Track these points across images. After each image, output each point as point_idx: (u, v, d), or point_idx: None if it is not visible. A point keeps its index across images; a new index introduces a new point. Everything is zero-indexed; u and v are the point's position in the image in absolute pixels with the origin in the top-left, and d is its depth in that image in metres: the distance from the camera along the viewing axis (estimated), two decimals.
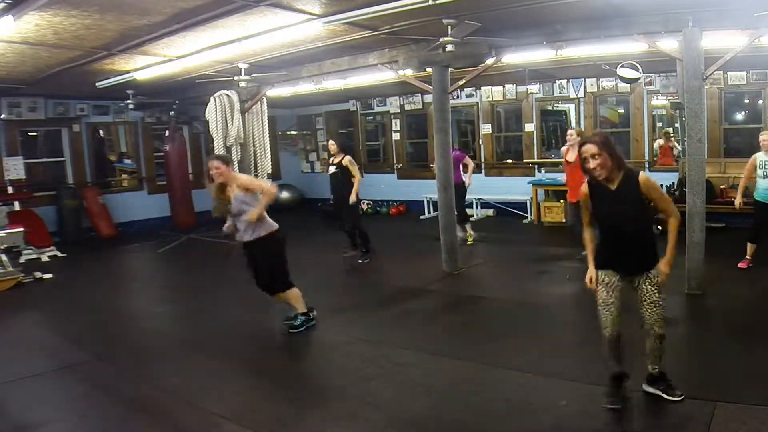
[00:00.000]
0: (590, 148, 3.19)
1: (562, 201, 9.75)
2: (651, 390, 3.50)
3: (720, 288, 5.67)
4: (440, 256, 7.05)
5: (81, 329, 5.51)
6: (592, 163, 3.19)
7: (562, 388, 3.76)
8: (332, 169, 7.84)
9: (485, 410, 3.52)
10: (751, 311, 4.99)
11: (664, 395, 3.42)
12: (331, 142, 8.03)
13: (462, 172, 8.42)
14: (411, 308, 5.77)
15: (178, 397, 3.89)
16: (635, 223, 3.26)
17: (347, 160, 7.66)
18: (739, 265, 6.42)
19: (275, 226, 4.98)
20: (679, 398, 3.37)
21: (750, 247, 6.39)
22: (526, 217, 10.56)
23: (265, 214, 4.91)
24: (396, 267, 7.61)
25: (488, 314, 5.53)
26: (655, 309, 3.34)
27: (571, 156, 6.70)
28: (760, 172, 6.27)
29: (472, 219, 9.22)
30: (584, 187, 3.40)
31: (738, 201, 6.53)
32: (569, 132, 7.20)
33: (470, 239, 8.61)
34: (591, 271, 3.42)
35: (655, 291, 3.32)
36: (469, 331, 5.04)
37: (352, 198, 7.60)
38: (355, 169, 7.66)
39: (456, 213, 7.40)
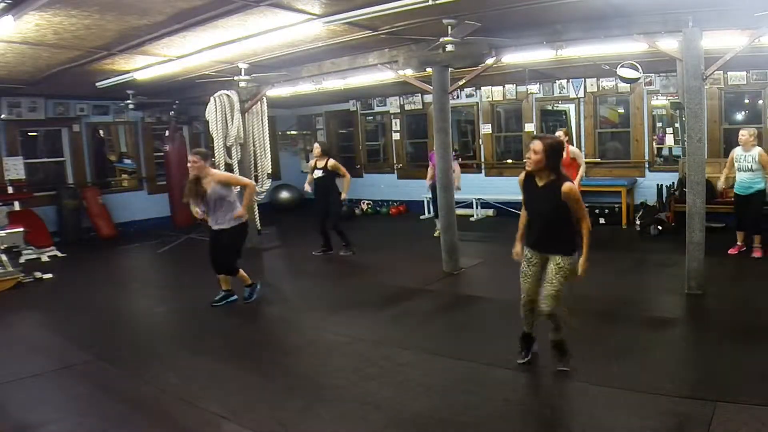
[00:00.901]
0: (536, 144, 3.76)
1: None
2: (559, 366, 3.95)
3: (720, 288, 5.67)
4: (440, 256, 7.05)
5: (81, 329, 5.51)
6: (531, 155, 3.78)
7: (561, 388, 3.76)
8: (318, 173, 8.05)
9: (485, 410, 3.53)
10: (751, 311, 4.99)
11: (559, 360, 3.95)
12: (316, 145, 8.26)
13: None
14: (411, 308, 5.77)
15: (178, 397, 3.88)
16: (548, 216, 3.85)
17: (332, 163, 8.00)
18: (730, 251, 6.96)
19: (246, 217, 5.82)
20: (564, 369, 3.89)
21: (739, 235, 7.04)
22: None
23: (238, 204, 5.74)
24: (396, 267, 7.60)
25: (488, 314, 5.53)
26: (548, 287, 3.85)
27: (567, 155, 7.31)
28: (737, 165, 6.83)
29: (471, 219, 9.28)
30: (521, 176, 4.03)
31: (720, 185, 7.12)
32: (557, 133, 7.38)
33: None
34: (517, 246, 4.15)
35: (556, 274, 3.84)
36: (469, 331, 5.04)
37: (344, 196, 8.03)
38: (342, 169, 8.05)
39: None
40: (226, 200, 5.66)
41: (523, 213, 4.17)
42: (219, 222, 5.70)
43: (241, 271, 6.00)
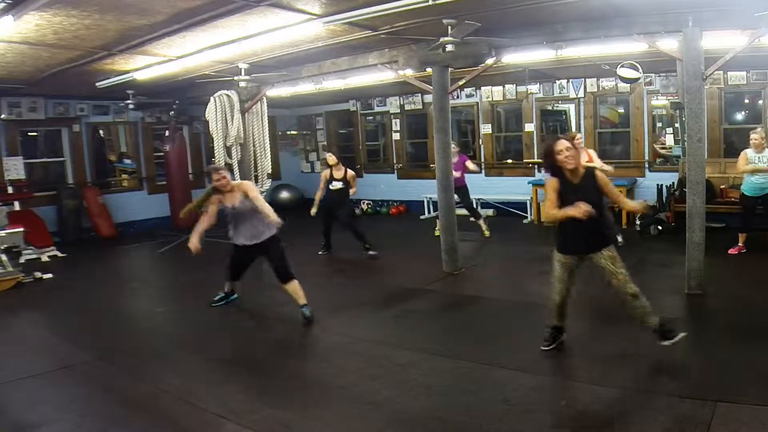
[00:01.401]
0: (565, 143, 3.89)
1: None
2: (665, 343, 4.02)
3: (720, 288, 5.67)
4: (440, 256, 7.05)
5: (81, 329, 5.51)
6: (565, 154, 3.85)
7: (562, 388, 3.76)
8: (337, 184, 8.00)
9: (485, 410, 3.53)
10: (751, 311, 4.99)
11: (663, 340, 4.02)
12: (330, 154, 8.19)
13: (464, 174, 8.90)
14: (411, 308, 5.77)
15: (178, 397, 3.88)
16: (597, 207, 3.83)
17: (351, 175, 8.04)
18: (730, 251, 6.97)
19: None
20: (674, 339, 4.00)
21: (741, 236, 7.06)
22: (526, 217, 10.56)
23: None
24: (396, 267, 7.60)
25: (488, 314, 5.53)
26: (617, 277, 3.98)
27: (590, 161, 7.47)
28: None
29: (472, 219, 9.27)
30: (555, 181, 3.98)
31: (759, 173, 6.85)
32: (577, 135, 7.73)
33: (486, 233, 9.04)
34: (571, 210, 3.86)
35: (614, 264, 3.98)
36: (469, 331, 5.04)
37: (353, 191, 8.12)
38: (355, 183, 8.17)
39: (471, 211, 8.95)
40: (257, 211, 5.16)
41: (559, 212, 3.97)
42: (257, 235, 5.28)
43: (297, 283, 5.44)
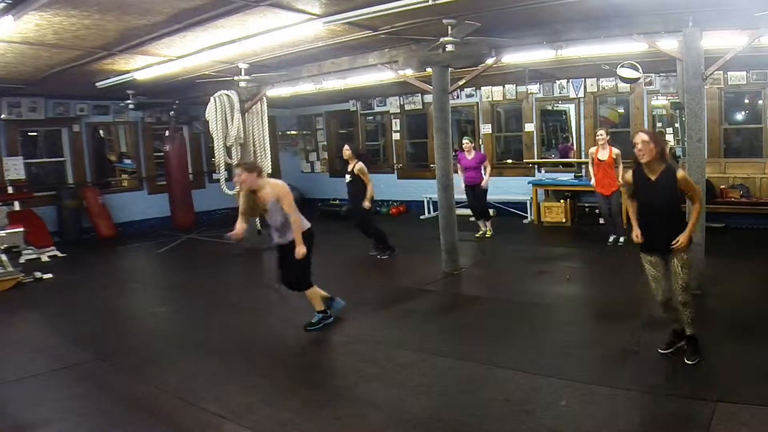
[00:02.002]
0: (642, 136, 3.88)
1: (562, 201, 9.75)
2: (689, 361, 3.92)
3: (720, 288, 5.67)
4: (440, 256, 7.05)
5: (81, 329, 5.51)
6: (640, 146, 3.83)
7: (562, 388, 3.76)
8: (348, 177, 7.89)
9: (485, 410, 3.53)
10: (751, 311, 4.99)
11: (690, 357, 3.93)
12: (345, 147, 8.00)
13: (483, 173, 8.88)
14: (411, 308, 5.77)
15: (178, 397, 3.88)
16: (668, 209, 3.86)
17: (359, 168, 7.73)
18: None
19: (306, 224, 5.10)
20: (693, 362, 3.88)
21: None
22: (526, 217, 10.55)
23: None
24: (396, 267, 7.61)
25: (488, 314, 5.53)
26: (679, 280, 3.87)
27: (603, 155, 7.74)
28: None
29: (472, 219, 9.31)
30: (629, 174, 4.02)
31: None
32: (599, 132, 7.95)
33: (489, 233, 9.10)
34: (636, 229, 4.04)
35: (682, 268, 3.86)
36: (469, 331, 5.04)
37: (366, 204, 7.68)
38: (366, 177, 7.73)
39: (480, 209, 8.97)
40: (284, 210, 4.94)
41: (633, 204, 4.13)
42: (284, 235, 5.00)
43: (317, 289, 5.23)
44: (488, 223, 9.17)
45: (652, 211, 3.92)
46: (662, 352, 4.11)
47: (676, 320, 4.07)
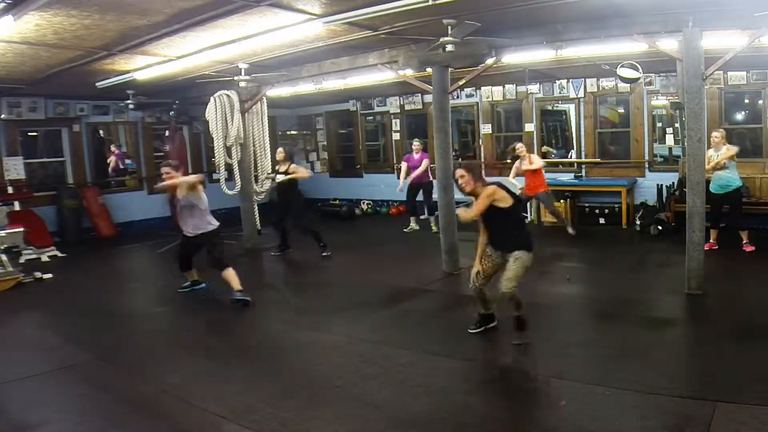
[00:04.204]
0: (459, 171, 4.50)
1: (562, 201, 9.76)
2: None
3: (720, 288, 5.67)
4: (440, 256, 7.05)
5: (81, 329, 5.51)
6: (460, 181, 4.45)
7: (562, 388, 3.76)
8: (280, 177, 8.21)
9: (485, 410, 3.53)
10: (751, 311, 4.99)
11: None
12: (280, 150, 8.38)
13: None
14: (411, 308, 5.77)
15: (178, 397, 3.88)
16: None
17: (293, 168, 8.22)
18: (705, 246, 6.81)
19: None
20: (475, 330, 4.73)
21: (713, 232, 7.22)
22: (526, 217, 10.55)
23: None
24: (396, 267, 7.60)
25: None
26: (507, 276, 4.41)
27: (531, 164, 8.52)
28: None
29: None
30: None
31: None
32: (519, 145, 8.80)
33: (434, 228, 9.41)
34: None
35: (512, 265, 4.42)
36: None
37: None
38: (301, 172, 8.28)
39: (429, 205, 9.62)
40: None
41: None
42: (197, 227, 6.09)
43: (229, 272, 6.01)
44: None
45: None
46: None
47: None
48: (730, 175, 7.00)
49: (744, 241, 7.11)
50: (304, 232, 8.38)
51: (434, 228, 9.31)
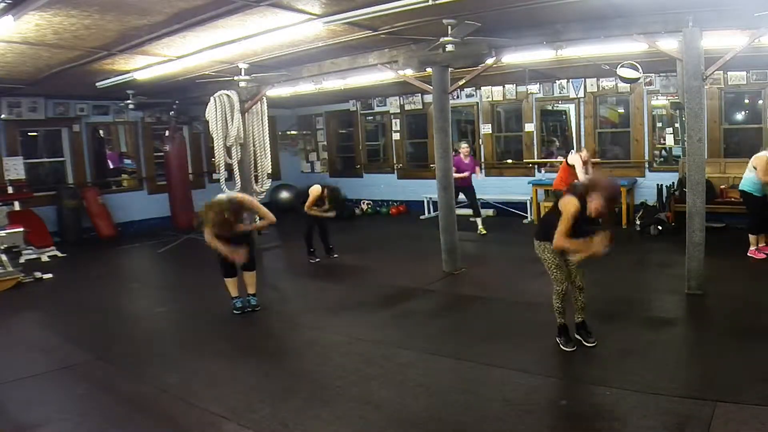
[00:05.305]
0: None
1: None
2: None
3: (720, 288, 5.67)
4: (440, 256, 7.05)
5: (81, 329, 5.51)
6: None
7: (562, 388, 3.76)
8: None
9: (485, 410, 3.53)
10: (751, 311, 4.99)
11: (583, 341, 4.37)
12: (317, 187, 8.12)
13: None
14: (411, 308, 5.77)
15: (178, 397, 3.89)
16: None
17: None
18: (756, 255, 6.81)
19: None
20: (592, 344, 4.34)
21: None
22: (526, 217, 10.56)
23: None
24: (396, 267, 7.60)
25: (488, 314, 5.52)
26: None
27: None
28: None
29: (471, 219, 9.38)
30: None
31: None
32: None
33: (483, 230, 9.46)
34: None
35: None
36: (469, 331, 5.03)
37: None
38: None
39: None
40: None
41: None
42: None
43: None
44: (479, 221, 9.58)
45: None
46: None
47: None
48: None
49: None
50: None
51: (483, 231, 9.36)
